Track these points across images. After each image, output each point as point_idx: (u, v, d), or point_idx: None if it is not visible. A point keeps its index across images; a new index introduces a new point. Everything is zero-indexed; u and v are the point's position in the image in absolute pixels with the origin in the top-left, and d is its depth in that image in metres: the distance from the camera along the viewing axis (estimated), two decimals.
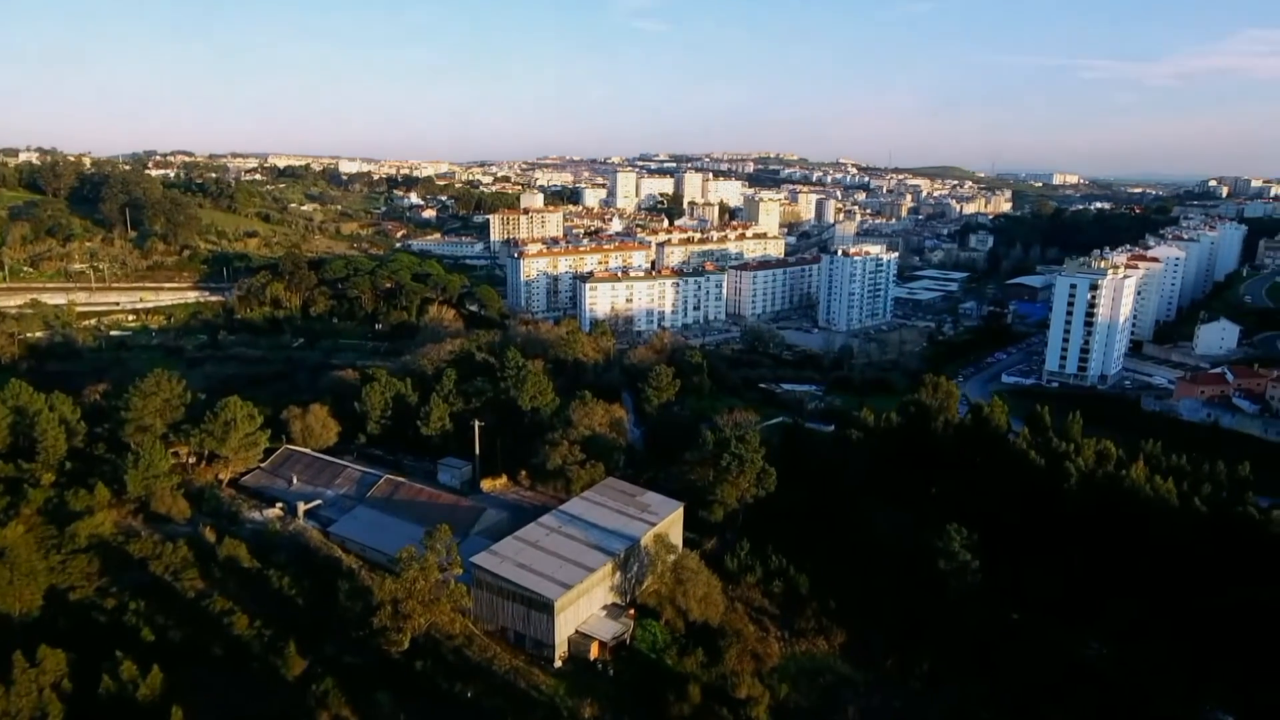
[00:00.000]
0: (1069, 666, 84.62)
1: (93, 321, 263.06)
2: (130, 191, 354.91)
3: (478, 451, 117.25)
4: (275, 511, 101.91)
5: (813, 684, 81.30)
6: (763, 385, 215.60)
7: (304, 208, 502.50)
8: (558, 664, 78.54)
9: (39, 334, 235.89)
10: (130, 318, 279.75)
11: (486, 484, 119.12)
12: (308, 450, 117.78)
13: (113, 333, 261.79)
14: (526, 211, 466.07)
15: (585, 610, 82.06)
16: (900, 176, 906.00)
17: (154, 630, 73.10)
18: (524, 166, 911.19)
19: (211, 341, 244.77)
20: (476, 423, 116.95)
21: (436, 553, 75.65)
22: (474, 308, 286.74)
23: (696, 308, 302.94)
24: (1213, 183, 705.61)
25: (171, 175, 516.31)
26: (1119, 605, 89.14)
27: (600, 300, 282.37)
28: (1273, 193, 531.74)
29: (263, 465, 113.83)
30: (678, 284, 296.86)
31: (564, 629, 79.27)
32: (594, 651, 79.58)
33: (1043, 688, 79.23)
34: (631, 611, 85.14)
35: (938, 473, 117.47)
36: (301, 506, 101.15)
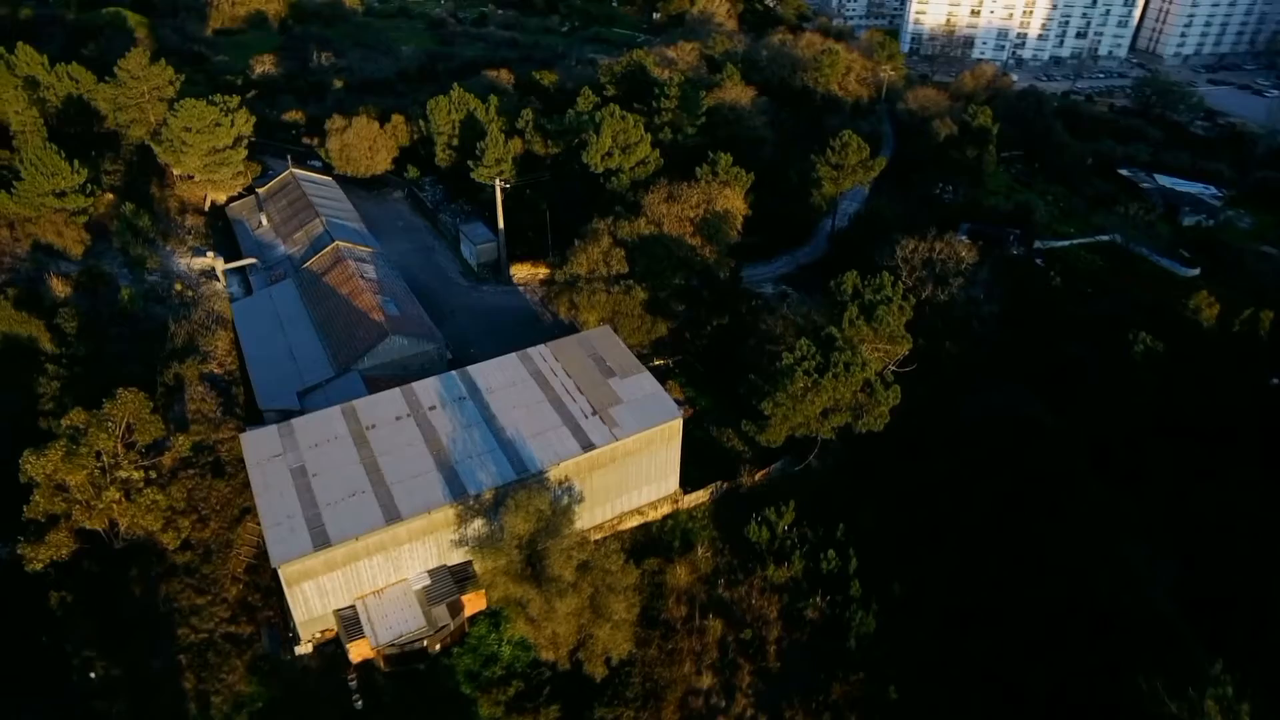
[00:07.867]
0: None
1: None
2: None
3: (500, 223, 79.07)
4: (204, 261, 76.00)
5: None
6: (1123, 172, 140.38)
7: None
8: (303, 649, 46.16)
9: None
10: None
11: (522, 271, 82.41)
12: (307, 178, 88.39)
13: None
14: None
15: (378, 574, 46.61)
16: None
17: None
18: None
19: (484, 17, 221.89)
20: (499, 181, 77.16)
21: (106, 431, 43.68)
22: (770, 2, 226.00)
23: (1081, 34, 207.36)
24: None
25: None
26: None
27: (933, 8, 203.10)
28: None
29: (259, 190, 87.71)
30: None
31: (314, 601, 45.40)
32: (358, 652, 45.43)
33: None
34: (473, 595, 47.78)
35: None
36: (220, 266, 73.93)
